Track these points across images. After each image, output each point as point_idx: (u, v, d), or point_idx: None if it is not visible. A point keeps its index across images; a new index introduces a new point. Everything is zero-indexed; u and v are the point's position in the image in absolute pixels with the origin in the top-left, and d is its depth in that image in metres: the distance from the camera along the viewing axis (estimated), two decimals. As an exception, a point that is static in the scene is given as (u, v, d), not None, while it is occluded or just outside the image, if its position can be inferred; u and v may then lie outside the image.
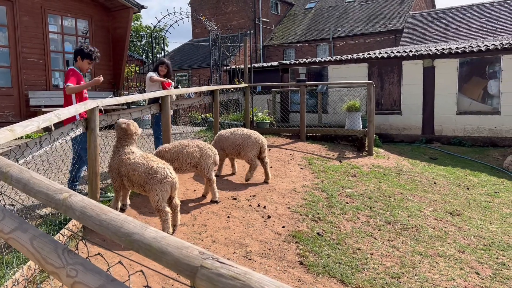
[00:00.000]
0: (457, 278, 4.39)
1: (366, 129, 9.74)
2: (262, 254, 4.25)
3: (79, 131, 4.19)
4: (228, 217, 5.01)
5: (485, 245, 5.42)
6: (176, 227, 4.50)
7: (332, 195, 6.36)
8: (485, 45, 12.18)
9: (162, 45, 13.75)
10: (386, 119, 13.35)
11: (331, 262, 4.31)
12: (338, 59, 14.36)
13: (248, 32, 11.97)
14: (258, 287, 1.06)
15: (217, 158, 5.42)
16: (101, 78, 5.17)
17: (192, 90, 7.36)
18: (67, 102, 4.97)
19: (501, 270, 4.75)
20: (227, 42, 12.29)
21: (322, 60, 14.70)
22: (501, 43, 11.95)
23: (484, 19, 21.66)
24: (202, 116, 12.97)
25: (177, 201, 4.48)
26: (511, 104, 11.54)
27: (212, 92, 8.16)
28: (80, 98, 5.03)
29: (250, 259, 4.08)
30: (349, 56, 14.43)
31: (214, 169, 5.44)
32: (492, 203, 7.38)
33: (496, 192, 8.02)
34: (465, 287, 4.23)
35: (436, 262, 4.70)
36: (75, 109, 3.84)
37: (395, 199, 6.68)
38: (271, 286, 1.05)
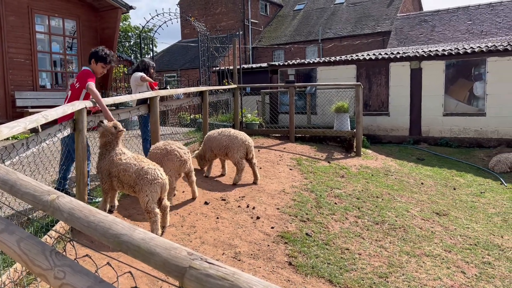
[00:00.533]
0: (443, 277, 4.45)
1: (354, 130, 9.82)
2: (251, 255, 4.26)
3: (66, 132, 4.15)
4: (217, 218, 5.01)
5: (471, 244, 5.50)
6: (165, 228, 4.49)
7: (320, 195, 6.40)
8: (471, 47, 12.36)
9: (151, 46, 13.69)
10: (374, 120, 13.46)
11: (320, 262, 4.33)
12: (326, 60, 14.44)
13: (237, 33, 11.97)
14: (246, 287, 1.07)
15: (184, 166, 5.17)
16: (114, 119, 4.74)
17: (181, 91, 7.35)
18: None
19: (487, 269, 4.82)
20: (216, 43, 12.27)
21: (311, 62, 14.78)
22: (486, 46, 12.14)
23: (470, 22, 21.98)
24: (191, 117, 12.93)
25: (166, 202, 4.48)
26: (496, 106, 11.73)
27: (201, 93, 8.15)
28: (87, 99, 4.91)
29: (239, 260, 4.08)
30: (338, 58, 14.54)
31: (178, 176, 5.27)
32: (478, 203, 7.50)
33: (481, 192, 8.14)
34: (451, 286, 4.29)
35: (423, 262, 4.76)
36: (63, 110, 3.81)
37: (383, 199, 6.74)
38: (259, 286, 1.07)
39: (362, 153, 9.78)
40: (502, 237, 5.91)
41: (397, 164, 9.69)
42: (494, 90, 11.75)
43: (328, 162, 8.67)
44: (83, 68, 5.07)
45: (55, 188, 4.69)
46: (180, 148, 5.19)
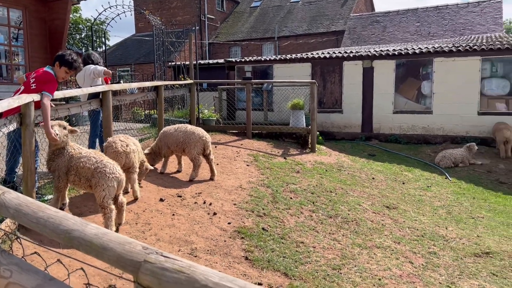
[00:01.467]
0: (393, 267, 4.65)
1: (310, 127, 10.00)
2: (208, 250, 4.25)
3: (12, 126, 3.95)
4: (173, 215, 4.95)
5: (418, 236, 5.78)
6: (121, 225, 4.40)
7: (277, 191, 6.48)
8: (419, 48, 12.92)
9: (103, 39, 13.23)
10: (328, 117, 13.78)
11: (276, 256, 4.40)
12: (282, 58, 14.60)
13: (194, 28, 11.85)
14: (202, 279, 1.07)
15: (119, 159, 4.88)
16: (57, 139, 4.26)
17: (135, 85, 7.18)
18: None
19: (432, 259, 5.09)
20: (172, 37, 12.06)
21: (267, 59, 14.90)
22: (433, 47, 12.74)
23: (418, 24, 22.95)
24: (146, 112, 12.65)
25: (123, 199, 4.40)
26: (442, 104, 12.35)
27: (156, 88, 8.00)
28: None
29: (195, 256, 4.07)
30: (293, 56, 14.73)
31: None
32: (425, 196, 7.88)
33: (428, 186, 8.56)
34: (400, 275, 4.49)
35: (374, 253, 4.95)
36: (8, 103, 3.61)
37: (336, 194, 6.93)
38: (215, 278, 1.07)
39: (316, 149, 9.99)
40: (446, 228, 6.25)
41: (350, 160, 9.99)
42: (440, 89, 12.37)
43: (284, 158, 8.78)
44: (46, 69, 4.67)
45: (1, 183, 4.46)
46: (121, 141, 5.02)
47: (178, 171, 6.76)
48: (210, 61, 18.76)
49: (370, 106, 13.28)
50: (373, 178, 8.55)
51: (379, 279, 4.30)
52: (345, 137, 13.55)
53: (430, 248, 5.41)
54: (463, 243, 5.71)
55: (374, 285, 4.15)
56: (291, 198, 6.32)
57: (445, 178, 9.46)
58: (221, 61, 17.10)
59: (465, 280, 4.63)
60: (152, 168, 5.88)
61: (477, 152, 10.78)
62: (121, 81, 8.88)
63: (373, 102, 13.21)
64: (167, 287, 1.11)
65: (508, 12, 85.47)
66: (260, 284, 3.80)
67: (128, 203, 5.03)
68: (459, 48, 12.04)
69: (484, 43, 12.43)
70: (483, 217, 7.02)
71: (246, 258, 4.25)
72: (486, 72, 12.02)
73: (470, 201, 7.92)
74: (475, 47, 11.84)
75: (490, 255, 5.38)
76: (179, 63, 13.01)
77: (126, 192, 5.28)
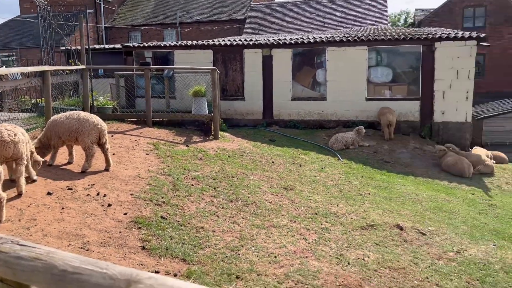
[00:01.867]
0: (288, 244, 4.90)
1: (212, 114, 10.02)
2: (101, 243, 4.08)
3: None
4: (63, 208, 4.65)
5: (312, 214, 6.15)
6: (0, 223, 4.01)
7: (177, 178, 6.41)
8: (314, 37, 13.60)
9: (-21, 19, 11.76)
10: (231, 105, 13.92)
11: (174, 243, 4.37)
12: (183, 44, 14.35)
13: (85, 10, 11.08)
14: (61, 264, 1.03)
15: (6, 149, 4.54)
16: None
17: (16, 70, 6.54)
18: None
19: (324, 234, 5.47)
20: (60, 19, 11.13)
21: (168, 45, 14.53)
22: (326, 37, 13.50)
23: (314, 14, 24.11)
24: (34, 101, 11.59)
25: (2, 194, 4.01)
26: (335, 91, 13.18)
27: (42, 74, 7.36)
28: None
29: (87, 250, 3.87)
30: (195, 42, 14.56)
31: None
32: (319, 177, 8.40)
33: (322, 168, 9.14)
34: (294, 251, 4.76)
35: (271, 233, 5.17)
36: None
37: (237, 178, 7.07)
38: (76, 262, 1.04)
39: (220, 136, 10.06)
40: (337, 205, 6.75)
41: (252, 146, 10.24)
42: (333, 77, 13.17)
43: (187, 145, 8.71)
44: None
45: None
46: (7, 130, 4.60)
47: (69, 163, 6.34)
48: (106, 46, 17.80)
49: (270, 93, 13.68)
50: (272, 162, 8.87)
51: (275, 257, 4.51)
52: (247, 123, 13.82)
53: (322, 224, 5.80)
54: (352, 218, 6.22)
55: (270, 263, 4.35)
56: (192, 185, 6.30)
57: (338, 159, 10.17)
58: (118, 46, 16.28)
59: (352, 251, 5.06)
60: (43, 160, 5.46)
61: (365, 135, 11.76)
62: (3, 67, 8.02)
63: (273, 89, 13.63)
64: (23, 277, 1.05)
65: (393, 6, 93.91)
66: (157, 272, 3.75)
67: (10, 199, 4.61)
68: (348, 38, 12.91)
69: (370, 34, 13.49)
70: (370, 194, 7.71)
71: (143, 248, 4.17)
72: (372, 61, 13.08)
73: (359, 179, 8.63)
74: (363, 37, 12.81)
75: (374, 227, 5.94)
76: (69, 47, 12.10)
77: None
